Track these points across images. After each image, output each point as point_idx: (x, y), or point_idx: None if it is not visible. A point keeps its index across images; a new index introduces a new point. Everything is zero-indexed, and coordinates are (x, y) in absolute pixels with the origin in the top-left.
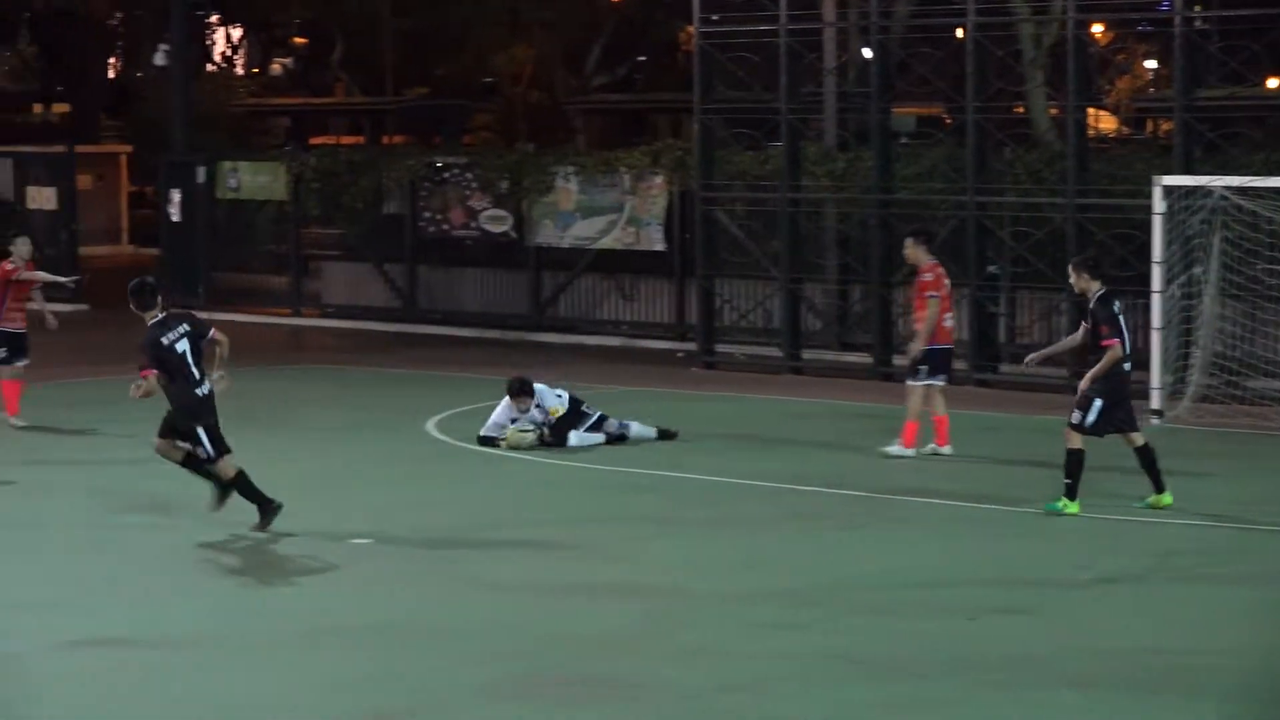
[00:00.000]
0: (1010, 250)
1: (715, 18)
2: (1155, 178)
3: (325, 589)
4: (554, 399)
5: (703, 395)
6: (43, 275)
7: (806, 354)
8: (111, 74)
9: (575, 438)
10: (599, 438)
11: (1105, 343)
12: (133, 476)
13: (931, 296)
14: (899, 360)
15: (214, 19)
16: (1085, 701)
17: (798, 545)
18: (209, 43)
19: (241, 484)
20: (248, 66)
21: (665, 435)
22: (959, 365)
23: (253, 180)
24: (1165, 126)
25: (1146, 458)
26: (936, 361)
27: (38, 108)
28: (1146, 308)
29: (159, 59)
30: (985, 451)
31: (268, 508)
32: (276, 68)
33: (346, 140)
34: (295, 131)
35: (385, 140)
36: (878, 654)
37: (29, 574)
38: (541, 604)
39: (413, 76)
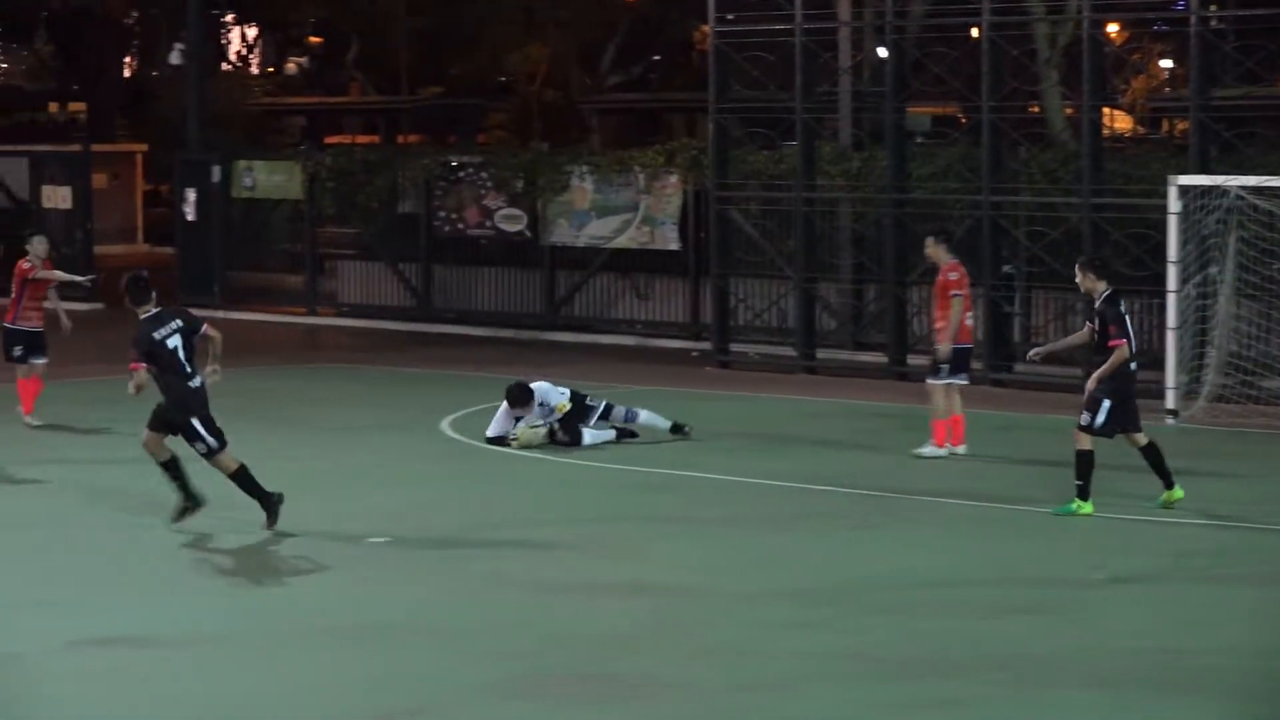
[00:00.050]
0: (1025, 250)
1: (730, 17)
2: (1170, 177)
3: (335, 588)
4: (558, 395)
5: (717, 394)
6: (59, 274)
7: (821, 353)
8: (127, 73)
9: (590, 436)
10: (609, 434)
11: (1113, 343)
12: (140, 476)
13: (956, 296)
14: (914, 360)
15: (229, 18)
16: (1102, 701)
17: (812, 545)
18: (224, 42)
19: (242, 478)
20: (263, 66)
21: (678, 429)
22: (974, 365)
23: (268, 179)
24: (1181, 126)
25: (1152, 456)
26: (957, 360)
27: (54, 106)
28: (1162, 307)
29: (175, 58)
30: (1000, 451)
31: (269, 502)
32: (292, 67)
33: (361, 139)
34: (310, 131)
35: (400, 139)
36: (893, 653)
37: (30, 573)
38: (554, 602)
39: (428, 76)
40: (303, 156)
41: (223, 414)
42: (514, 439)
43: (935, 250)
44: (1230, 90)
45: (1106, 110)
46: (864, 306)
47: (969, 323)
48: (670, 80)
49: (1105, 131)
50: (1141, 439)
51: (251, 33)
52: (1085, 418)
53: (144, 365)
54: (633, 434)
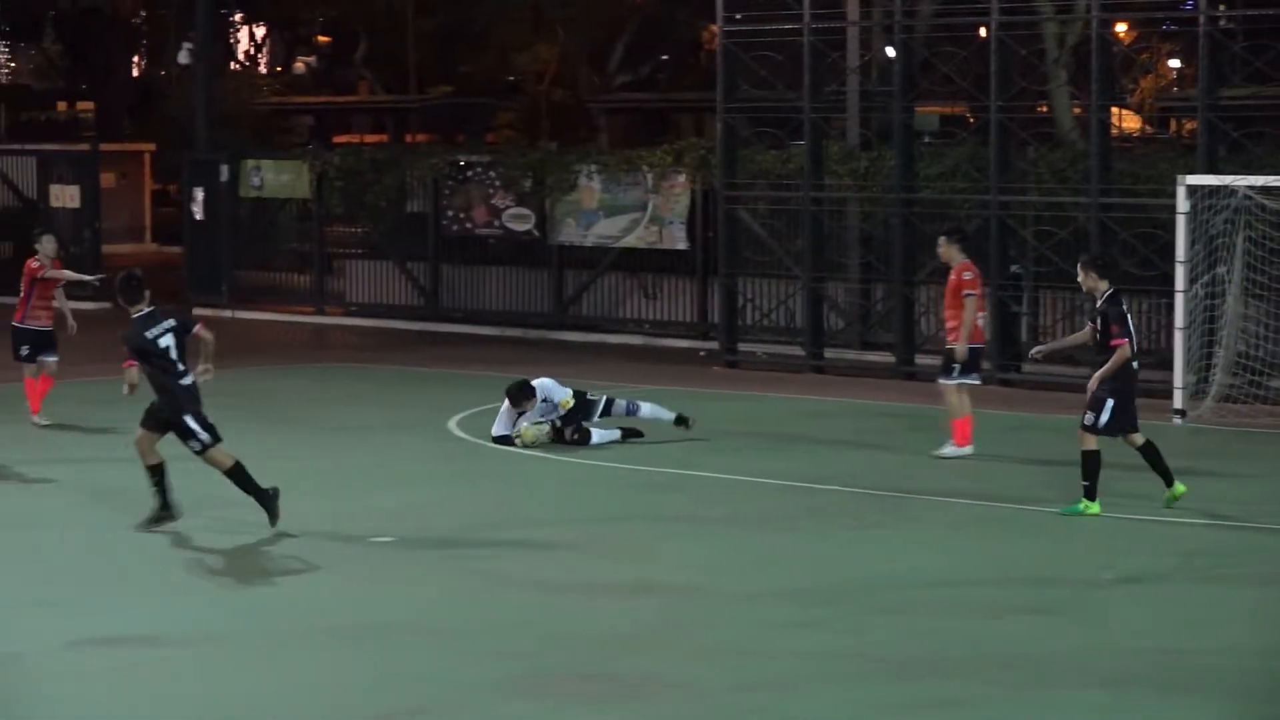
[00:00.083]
0: (1033, 250)
1: (738, 16)
2: (1179, 177)
3: (335, 588)
4: (561, 392)
5: (724, 394)
6: (68, 273)
7: (829, 353)
8: (135, 72)
9: (597, 435)
10: (615, 434)
11: (1115, 342)
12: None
13: (969, 295)
14: (922, 359)
15: (238, 17)
16: (1103, 701)
17: (815, 544)
18: (233, 41)
19: (238, 475)
20: (271, 65)
21: (682, 421)
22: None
23: (276, 178)
24: (1189, 126)
25: (1150, 455)
26: (969, 360)
27: (62, 105)
28: (1169, 307)
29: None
30: (1007, 451)
31: (267, 498)
32: (300, 66)
33: (370, 138)
34: (319, 130)
35: (408, 138)
36: (898, 653)
37: (31, 573)
38: (554, 602)
39: (436, 75)
40: (311, 156)
41: (229, 413)
42: (518, 437)
43: (948, 250)
44: (1239, 90)
45: (1115, 110)
46: (872, 306)
47: (979, 322)
48: (678, 80)
49: (1113, 131)
50: (1138, 439)
51: (260, 32)
52: (1089, 417)
53: (135, 364)
54: (639, 433)
